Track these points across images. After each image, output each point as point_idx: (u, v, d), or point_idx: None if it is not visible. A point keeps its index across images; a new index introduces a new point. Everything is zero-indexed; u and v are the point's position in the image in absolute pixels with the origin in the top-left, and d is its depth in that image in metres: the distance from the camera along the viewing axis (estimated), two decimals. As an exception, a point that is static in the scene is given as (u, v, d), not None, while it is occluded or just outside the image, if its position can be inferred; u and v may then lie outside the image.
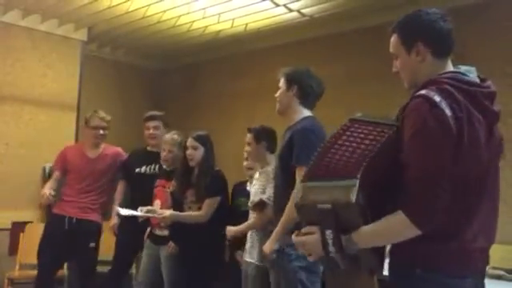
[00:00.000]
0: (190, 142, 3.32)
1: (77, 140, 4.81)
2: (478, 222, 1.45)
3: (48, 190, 3.58)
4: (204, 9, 4.40)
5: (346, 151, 1.42)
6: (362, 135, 1.43)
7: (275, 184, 2.69)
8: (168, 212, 3.29)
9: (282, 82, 2.62)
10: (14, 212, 4.50)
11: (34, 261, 3.86)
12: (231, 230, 3.12)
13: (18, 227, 4.49)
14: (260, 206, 2.99)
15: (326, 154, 1.45)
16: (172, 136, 3.55)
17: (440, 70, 1.52)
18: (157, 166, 3.75)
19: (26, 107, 4.73)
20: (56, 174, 3.83)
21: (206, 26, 4.84)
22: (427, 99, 1.40)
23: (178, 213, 3.30)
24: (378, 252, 1.48)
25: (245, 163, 3.60)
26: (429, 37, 1.52)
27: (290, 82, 2.58)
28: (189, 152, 3.30)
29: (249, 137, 3.25)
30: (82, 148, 3.87)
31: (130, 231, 3.70)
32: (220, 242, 3.36)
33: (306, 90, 2.56)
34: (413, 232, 1.36)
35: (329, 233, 1.42)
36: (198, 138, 3.32)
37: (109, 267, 3.88)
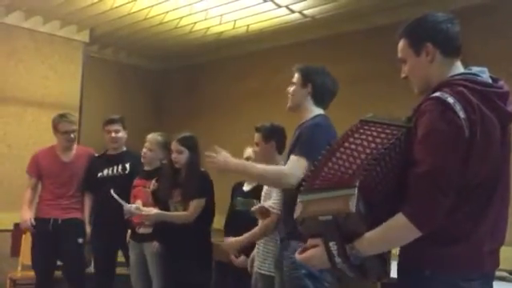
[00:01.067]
0: (174, 145, 3.32)
1: (79, 142, 4.81)
2: (487, 224, 1.44)
3: (29, 215, 3.69)
4: (206, 10, 4.40)
5: (351, 156, 1.41)
6: (370, 138, 1.42)
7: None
8: (154, 210, 3.32)
9: (296, 78, 2.46)
10: (16, 213, 4.49)
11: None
12: (231, 242, 2.98)
13: (20, 228, 4.49)
14: (262, 212, 2.86)
15: (329, 160, 1.44)
16: (154, 136, 3.61)
17: (450, 71, 1.52)
18: (119, 168, 3.79)
19: (28, 108, 4.74)
20: (33, 180, 3.85)
21: (208, 28, 4.84)
22: (441, 101, 1.39)
23: (164, 212, 3.33)
24: (384, 258, 1.47)
25: None
26: (437, 38, 1.52)
27: (305, 78, 2.43)
28: (174, 156, 3.31)
29: (257, 136, 3.01)
30: (54, 152, 3.86)
31: (105, 234, 3.72)
32: (204, 240, 3.36)
33: (322, 89, 2.43)
34: (414, 234, 1.35)
35: (332, 244, 1.40)
36: (183, 142, 3.31)
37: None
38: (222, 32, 4.96)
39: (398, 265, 1.53)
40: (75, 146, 3.91)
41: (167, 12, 4.45)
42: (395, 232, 1.39)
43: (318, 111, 2.43)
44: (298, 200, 1.47)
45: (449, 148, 1.36)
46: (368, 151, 1.39)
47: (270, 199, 2.87)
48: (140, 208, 3.37)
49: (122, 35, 5.16)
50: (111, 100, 5.74)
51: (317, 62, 4.59)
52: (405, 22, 1.61)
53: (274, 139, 2.98)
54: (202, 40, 5.18)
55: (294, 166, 2.19)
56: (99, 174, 3.79)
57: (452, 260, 1.42)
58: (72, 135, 3.80)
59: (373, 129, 1.45)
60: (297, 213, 1.45)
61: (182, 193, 3.32)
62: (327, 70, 2.49)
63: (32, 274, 4.12)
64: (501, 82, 1.52)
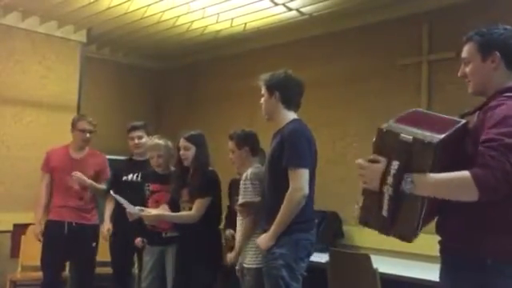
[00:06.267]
0: (181, 142, 3.33)
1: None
2: None
3: (40, 227, 3.75)
4: (203, 8, 4.40)
5: (430, 117, 1.59)
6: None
7: (265, 187, 2.71)
8: (154, 211, 3.32)
9: (263, 90, 2.69)
10: (16, 214, 4.50)
11: (36, 263, 3.88)
12: (230, 257, 3.06)
13: (20, 229, 4.49)
14: (245, 206, 2.95)
15: (411, 115, 1.60)
16: (155, 142, 3.54)
17: (509, 82, 1.64)
18: (140, 174, 3.79)
19: (26, 109, 4.74)
20: (46, 177, 3.87)
21: (206, 26, 4.84)
22: None
23: (164, 213, 3.32)
24: (418, 222, 1.50)
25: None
26: (506, 50, 1.67)
27: (270, 88, 2.65)
28: (182, 153, 3.32)
29: (231, 144, 3.18)
30: (66, 149, 3.90)
31: (124, 233, 3.72)
32: (214, 242, 3.34)
33: (288, 94, 2.64)
34: (472, 194, 1.41)
35: (395, 164, 1.46)
36: (189, 138, 3.31)
37: (106, 268, 3.96)
38: (219, 30, 4.96)
39: (454, 255, 1.58)
40: (87, 148, 3.93)
41: (164, 11, 4.45)
42: (456, 184, 1.45)
43: (292, 115, 2.65)
44: (388, 123, 1.56)
45: None
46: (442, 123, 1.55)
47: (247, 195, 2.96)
48: (143, 209, 3.36)
49: (120, 35, 5.16)
50: (109, 100, 5.74)
51: (314, 59, 4.66)
52: (474, 28, 1.75)
53: (247, 145, 3.12)
54: (200, 39, 5.18)
55: (298, 180, 2.44)
56: (124, 178, 3.84)
57: None
58: (88, 135, 3.83)
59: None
60: (383, 125, 1.53)
61: (188, 192, 3.30)
62: (289, 73, 2.68)
63: (32, 274, 4.15)
64: None
